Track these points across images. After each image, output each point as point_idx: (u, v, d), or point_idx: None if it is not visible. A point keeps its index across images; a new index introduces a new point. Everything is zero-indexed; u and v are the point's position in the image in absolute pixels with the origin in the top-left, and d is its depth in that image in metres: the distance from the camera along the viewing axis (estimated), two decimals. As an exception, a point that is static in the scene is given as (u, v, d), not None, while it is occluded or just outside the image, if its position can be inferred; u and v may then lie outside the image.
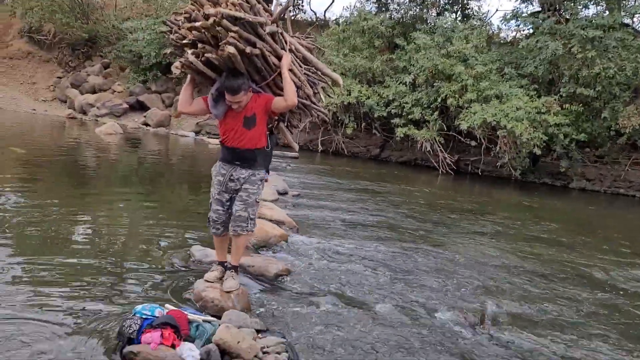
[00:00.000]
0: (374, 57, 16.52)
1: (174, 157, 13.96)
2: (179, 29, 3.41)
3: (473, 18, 18.22)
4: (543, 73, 13.63)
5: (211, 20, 3.07)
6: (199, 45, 3.28)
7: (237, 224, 3.52)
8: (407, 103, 14.95)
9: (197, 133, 19.33)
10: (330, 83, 3.87)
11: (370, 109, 15.68)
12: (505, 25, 18.32)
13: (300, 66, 3.61)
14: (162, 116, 20.21)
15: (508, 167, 13.81)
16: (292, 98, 3.35)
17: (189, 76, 3.56)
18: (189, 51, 3.36)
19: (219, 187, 3.58)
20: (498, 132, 12.89)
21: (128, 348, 2.52)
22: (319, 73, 3.79)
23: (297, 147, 4.07)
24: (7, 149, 10.11)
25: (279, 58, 3.42)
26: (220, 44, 3.17)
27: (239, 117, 3.44)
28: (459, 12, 20.49)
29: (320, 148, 17.32)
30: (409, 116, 14.84)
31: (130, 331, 2.63)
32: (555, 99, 13.05)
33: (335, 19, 22.80)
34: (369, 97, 15.57)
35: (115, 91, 22.97)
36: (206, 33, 3.23)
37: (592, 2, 14.57)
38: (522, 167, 13.74)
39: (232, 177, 3.53)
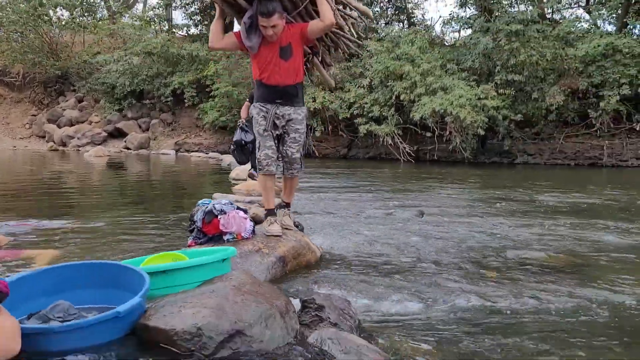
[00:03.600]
0: (334, 66, 18.43)
1: (159, 174, 15.36)
2: None
3: (417, 25, 20.46)
4: (479, 65, 15.75)
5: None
6: None
7: (293, 166, 3.59)
8: (366, 103, 16.84)
9: (177, 151, 20.77)
10: (361, 17, 3.85)
11: (335, 112, 17.50)
12: (445, 28, 20.51)
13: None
14: (142, 139, 21.55)
15: (459, 150, 15.75)
16: (329, 16, 3.20)
17: (217, 9, 3.42)
18: None
19: (264, 122, 3.41)
20: (446, 119, 14.83)
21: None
22: (349, 8, 3.72)
23: (332, 82, 4.22)
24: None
25: None
26: None
27: (274, 48, 3.29)
28: (405, 21, 22.74)
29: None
30: (370, 114, 16.72)
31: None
32: (491, 86, 15.12)
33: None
34: (332, 102, 17.40)
35: (92, 122, 24.18)
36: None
37: (517, 1, 16.94)
38: (472, 148, 15.71)
39: (277, 115, 3.41)
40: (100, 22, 27.71)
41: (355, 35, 3.82)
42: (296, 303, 2.46)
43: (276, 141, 3.49)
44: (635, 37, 15.53)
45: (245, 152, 7.07)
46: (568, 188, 9.14)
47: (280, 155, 3.56)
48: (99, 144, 22.29)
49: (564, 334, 2.32)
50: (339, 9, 3.57)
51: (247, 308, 1.81)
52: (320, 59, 3.82)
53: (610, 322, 2.51)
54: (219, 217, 3.08)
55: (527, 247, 4.04)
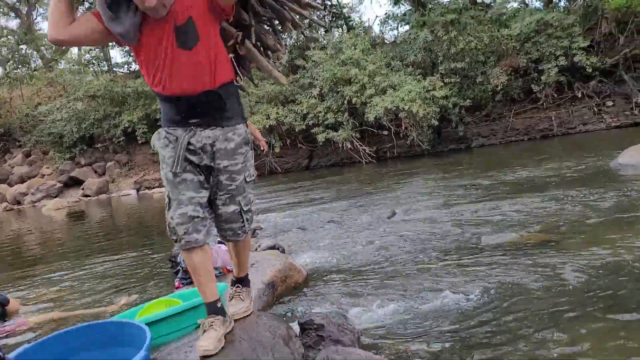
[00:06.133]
0: (281, 81, 18.52)
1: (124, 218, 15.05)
2: None
3: (356, 29, 20.82)
4: (422, 58, 16.18)
5: None
6: None
7: (228, 225, 2.15)
8: (320, 112, 17.00)
9: (137, 190, 20.38)
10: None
11: (291, 126, 17.58)
12: (383, 27, 20.99)
13: None
14: (100, 183, 21.04)
15: (418, 143, 16.08)
16: None
17: None
18: None
19: (173, 167, 2.02)
20: (400, 115, 15.14)
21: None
22: None
23: (283, 79, 2.37)
24: None
25: None
26: None
27: (166, 31, 1.93)
28: (344, 26, 23.10)
29: (255, 172, 18.88)
30: (325, 122, 16.88)
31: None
32: (437, 77, 15.54)
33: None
34: (286, 116, 17.48)
35: (44, 175, 23.44)
36: None
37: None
38: (429, 140, 16.08)
39: (191, 147, 2.04)
40: (36, 72, 27.00)
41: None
42: (295, 327, 2.49)
43: (201, 182, 2.05)
44: (561, 9, 16.30)
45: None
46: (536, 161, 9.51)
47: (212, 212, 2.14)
48: (55, 196, 21.59)
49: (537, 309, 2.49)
50: None
51: (252, 343, 1.83)
52: (253, 41, 2.24)
53: (580, 287, 2.78)
54: (201, 254, 3.07)
55: (500, 230, 4.18)
